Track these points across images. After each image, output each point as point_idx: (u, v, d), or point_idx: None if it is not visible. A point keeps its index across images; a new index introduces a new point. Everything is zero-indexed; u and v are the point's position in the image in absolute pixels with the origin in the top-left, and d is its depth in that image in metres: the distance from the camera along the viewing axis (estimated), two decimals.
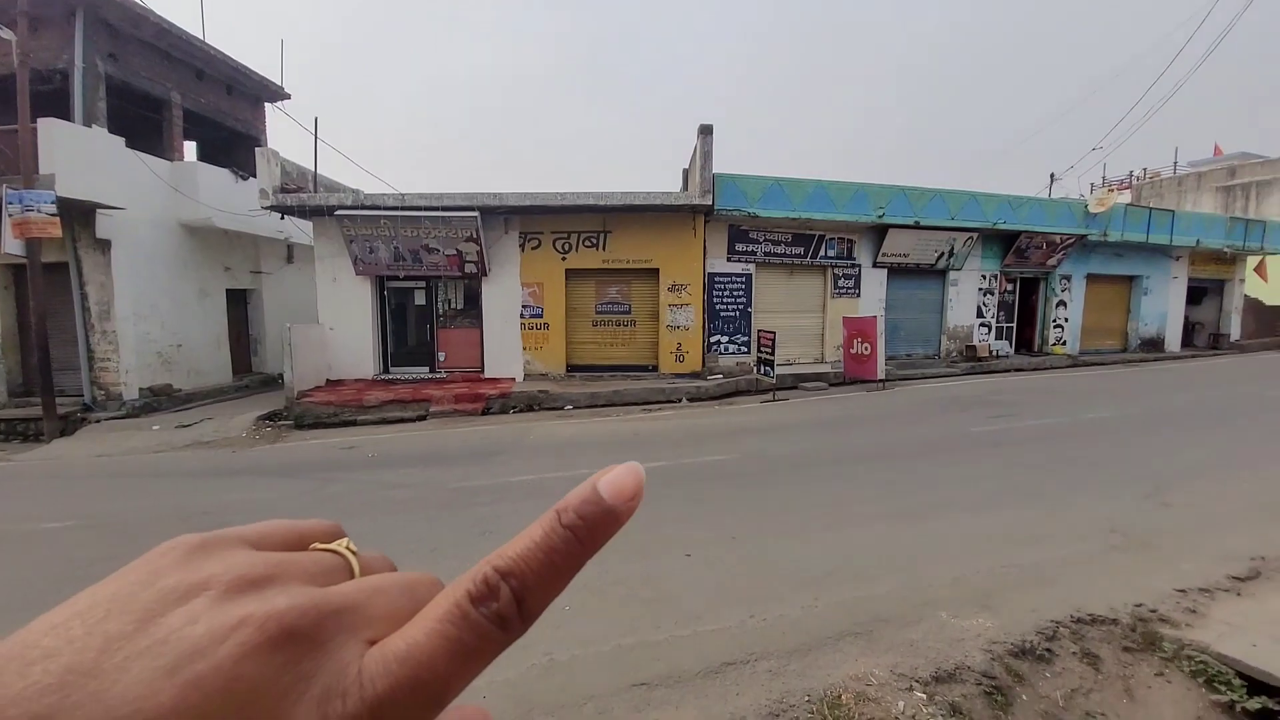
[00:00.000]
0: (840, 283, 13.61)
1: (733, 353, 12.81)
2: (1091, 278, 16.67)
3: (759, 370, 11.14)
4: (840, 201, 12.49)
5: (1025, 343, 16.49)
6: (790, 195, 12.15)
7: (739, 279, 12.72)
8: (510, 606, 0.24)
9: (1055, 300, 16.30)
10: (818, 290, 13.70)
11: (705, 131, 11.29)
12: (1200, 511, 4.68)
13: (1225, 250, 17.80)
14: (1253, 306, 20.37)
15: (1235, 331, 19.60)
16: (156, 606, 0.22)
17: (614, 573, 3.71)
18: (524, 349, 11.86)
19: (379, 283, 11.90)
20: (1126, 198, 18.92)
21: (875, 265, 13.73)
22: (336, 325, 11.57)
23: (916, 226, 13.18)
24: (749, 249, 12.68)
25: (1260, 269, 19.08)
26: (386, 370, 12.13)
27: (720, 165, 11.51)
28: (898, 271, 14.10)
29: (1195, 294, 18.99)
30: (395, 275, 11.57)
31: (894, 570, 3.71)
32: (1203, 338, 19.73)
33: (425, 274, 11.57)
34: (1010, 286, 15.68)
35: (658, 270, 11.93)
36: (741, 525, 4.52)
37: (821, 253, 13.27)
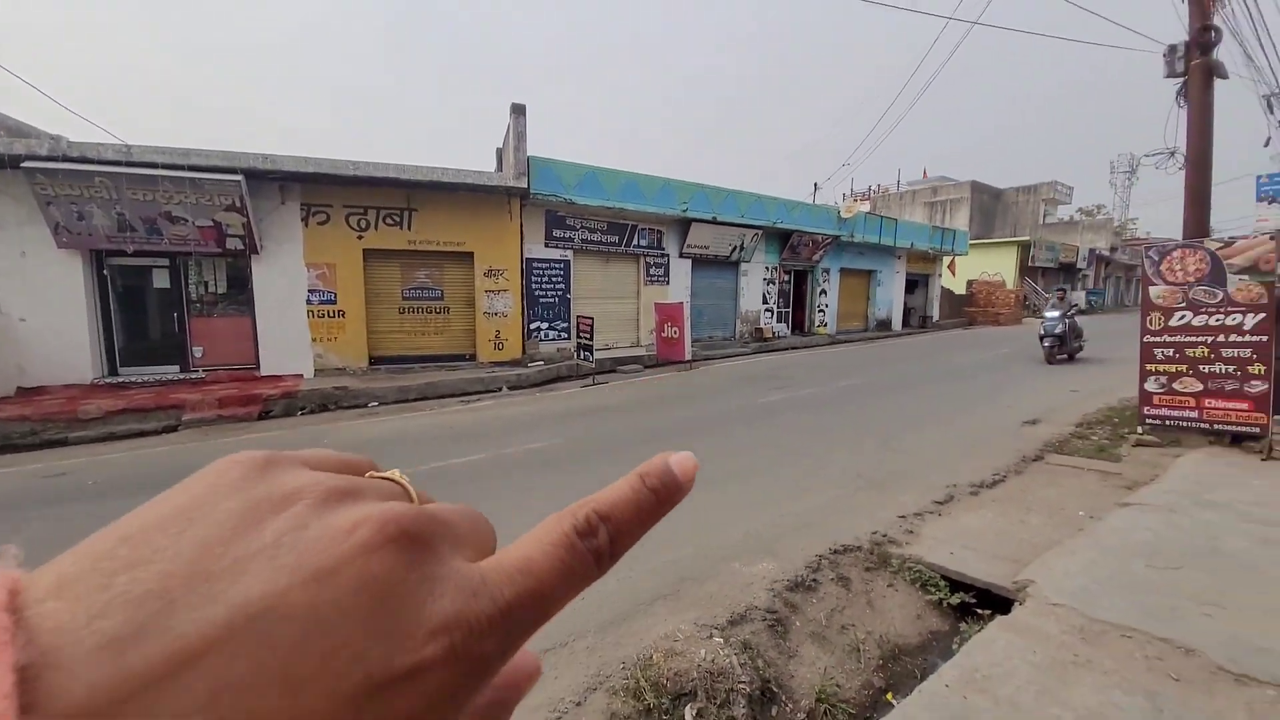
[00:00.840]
0: (652, 271, 14.47)
1: (553, 339, 12.82)
2: (844, 271, 20.34)
3: (579, 355, 11.35)
4: (650, 194, 13.23)
5: (798, 325, 19.51)
6: (605, 185, 12.49)
7: (557, 265, 12.73)
8: (606, 545, 0.26)
9: (819, 289, 19.53)
10: (632, 278, 14.39)
11: (518, 111, 10.97)
12: (915, 455, 6.08)
13: (929, 251, 23.19)
14: (946, 295, 26.91)
15: (936, 314, 25.72)
16: (250, 514, 0.21)
17: None
18: (314, 340, 10.33)
19: (95, 259, 9.25)
20: (866, 207, 23.32)
21: (681, 255, 14.89)
22: (30, 314, 8.72)
23: (715, 222, 14.60)
24: (567, 236, 12.74)
25: (951, 266, 25.29)
26: (114, 371, 9.56)
27: (535, 152, 11.31)
28: (700, 262, 15.50)
29: (910, 285, 24.41)
30: (120, 250, 9.08)
31: (698, 533, 4.12)
32: (915, 319, 25.50)
33: (168, 249, 9.30)
34: (787, 277, 18.34)
35: (472, 254, 11.33)
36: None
37: (635, 242, 13.93)
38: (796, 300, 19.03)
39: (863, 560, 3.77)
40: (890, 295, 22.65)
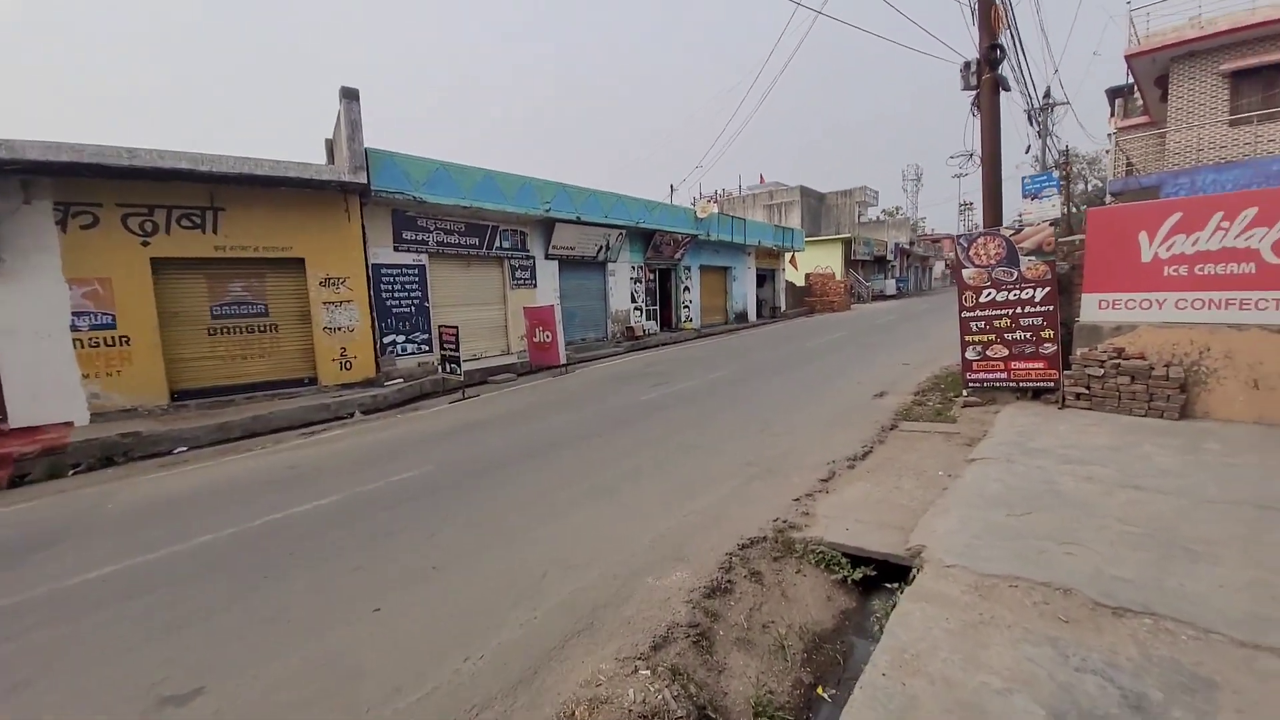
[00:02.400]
0: (518, 274, 13.77)
1: (412, 353, 11.56)
2: (703, 268, 21.32)
3: (445, 369, 10.33)
4: (509, 193, 12.54)
5: (666, 321, 20.02)
6: (459, 182, 11.55)
7: (411, 271, 11.50)
8: None
9: (683, 286, 20.23)
10: (497, 282, 13.55)
11: (349, 96, 9.65)
12: (793, 437, 6.33)
13: (774, 248, 25.26)
14: (790, 287, 29.56)
15: (783, 304, 28.13)
16: None
17: (284, 659, 2.70)
18: (85, 376, 8.08)
19: None
20: (716, 208, 24.71)
21: (547, 257, 14.38)
22: None
23: (579, 222, 14.32)
24: (419, 238, 11.56)
25: (793, 261, 27.82)
26: None
27: (376, 145, 10.05)
28: (567, 263, 15.11)
29: (760, 279, 26.40)
30: None
31: (601, 551, 3.77)
32: (767, 310, 27.65)
33: None
34: (652, 276, 18.71)
35: (303, 261, 9.74)
36: (444, 550, 3.94)
37: (497, 244, 13.13)
38: (663, 297, 19.50)
39: (770, 551, 3.71)
40: (744, 289, 24.25)
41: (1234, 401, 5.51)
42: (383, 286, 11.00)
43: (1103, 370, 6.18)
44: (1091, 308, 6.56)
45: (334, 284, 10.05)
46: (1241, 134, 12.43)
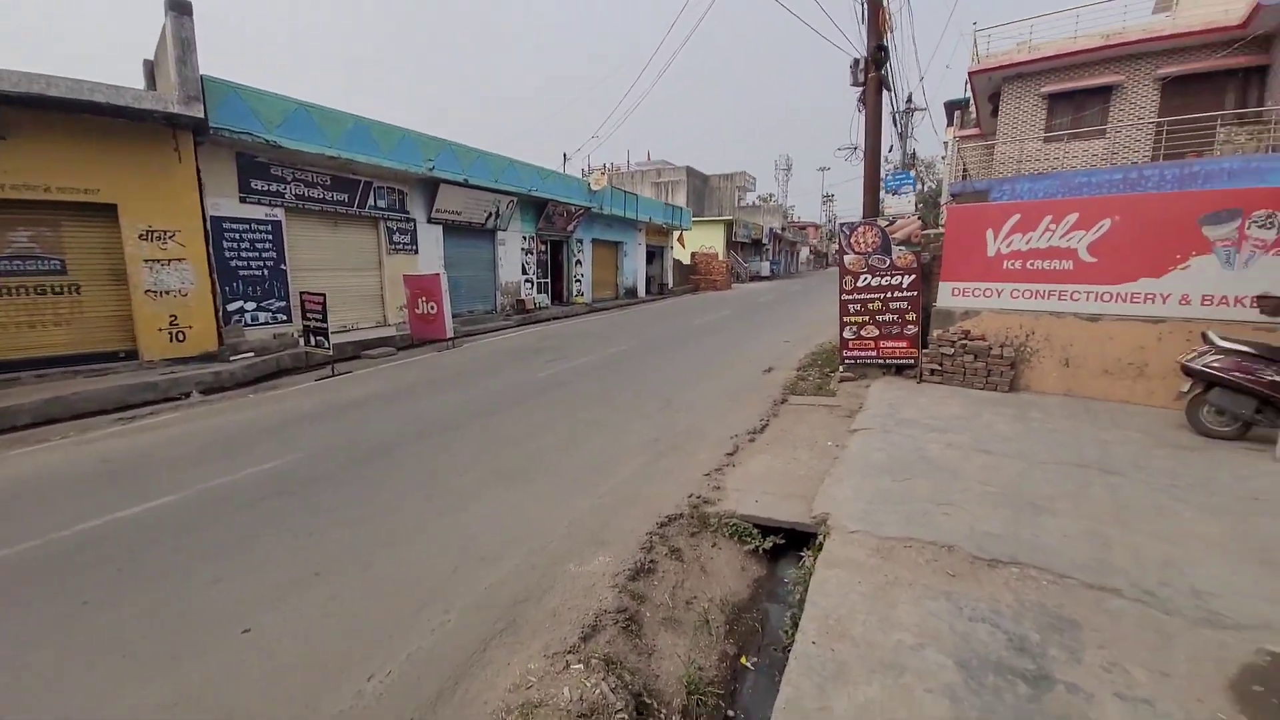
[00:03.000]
0: (396, 238, 12.48)
1: (266, 323, 10.04)
2: (596, 242, 21.05)
3: (309, 341, 9.11)
4: (386, 146, 11.22)
5: (558, 295, 19.55)
6: (324, 128, 10.07)
7: (262, 227, 9.88)
8: None
9: (574, 259, 19.83)
10: (371, 245, 12.18)
11: (179, 9, 7.87)
12: (694, 412, 6.48)
13: (663, 226, 25.65)
14: (677, 265, 30.34)
15: (671, 281, 28.82)
16: None
17: (125, 701, 2.17)
18: None
19: None
20: (608, 182, 24.44)
21: (430, 221, 13.21)
22: None
23: (466, 185, 13.30)
24: (273, 189, 9.95)
25: (680, 240, 28.49)
26: None
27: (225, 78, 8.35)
28: (453, 229, 14.03)
29: (650, 256, 26.75)
30: None
31: (515, 539, 3.55)
32: (655, 286, 28.16)
33: None
34: (544, 247, 18.07)
35: (115, 208, 7.92)
36: (326, 552, 3.46)
37: (371, 202, 11.75)
38: (554, 270, 18.96)
39: (687, 527, 3.75)
40: (635, 265, 24.41)
41: (1049, 377, 6.61)
42: (226, 244, 9.35)
43: (953, 350, 7.07)
44: (946, 294, 7.43)
45: (159, 238, 8.32)
46: (1053, 149, 14.81)
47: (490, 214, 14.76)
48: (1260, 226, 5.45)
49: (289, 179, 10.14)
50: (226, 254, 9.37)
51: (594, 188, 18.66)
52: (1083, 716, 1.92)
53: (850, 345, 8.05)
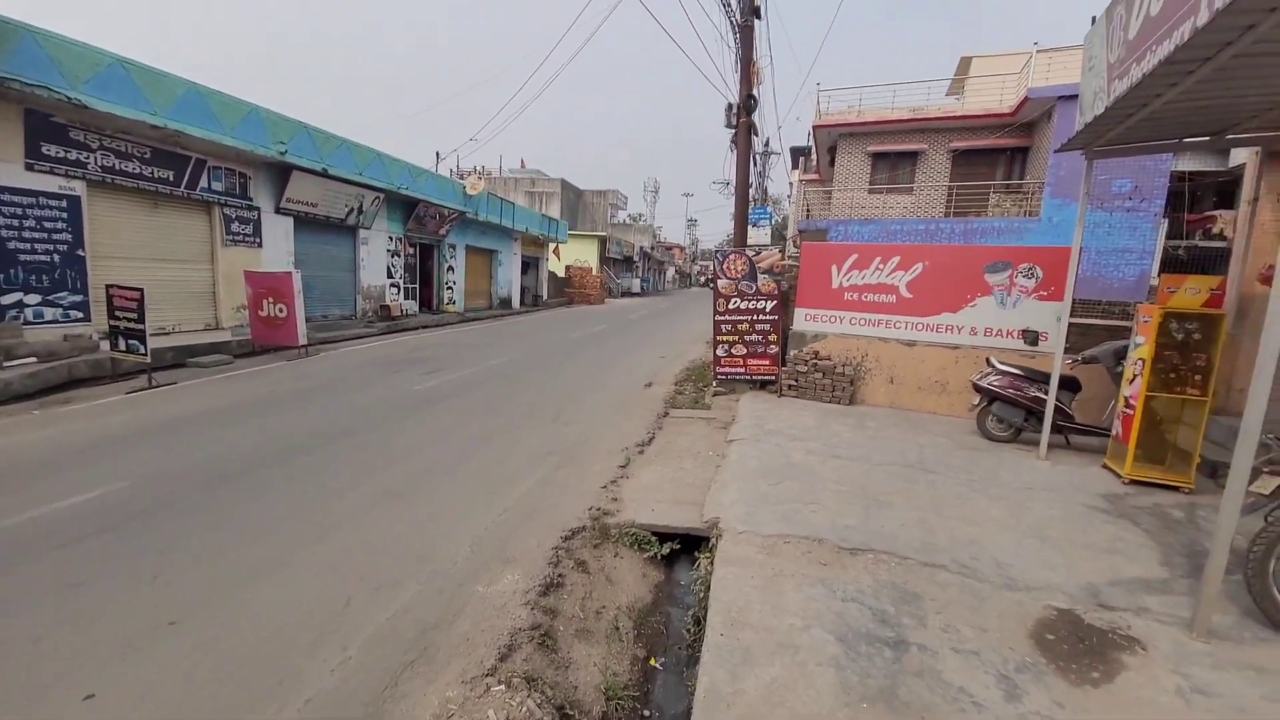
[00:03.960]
0: (235, 228, 10.91)
1: (54, 321, 8.16)
2: (469, 249, 20.28)
3: (116, 345, 7.60)
4: (228, 120, 9.82)
5: (427, 302, 18.46)
6: (148, 92, 8.54)
7: (54, 202, 8.06)
8: None
9: (446, 265, 18.91)
10: (202, 233, 10.50)
11: None
12: (585, 425, 6.62)
13: (540, 237, 25.49)
14: (552, 277, 30.28)
15: (545, 294, 28.66)
16: None
17: None
18: None
19: None
20: (485, 186, 23.74)
21: (280, 211, 11.76)
22: None
23: (325, 174, 12.09)
24: (73, 157, 8.18)
25: (556, 252, 28.50)
26: None
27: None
28: (307, 222, 12.63)
29: (525, 266, 26.40)
30: None
31: (414, 564, 3.40)
32: (529, 298, 27.83)
33: None
34: (413, 250, 16.99)
35: None
36: (180, 594, 3.00)
37: (205, 184, 10.16)
38: (424, 276, 17.88)
39: (590, 539, 3.87)
40: (510, 275, 23.91)
41: (879, 392, 7.85)
42: (0, 221, 7.48)
43: (806, 368, 8.08)
44: (801, 319, 8.48)
45: None
46: (876, 199, 17.53)
47: (352, 209, 13.55)
48: (1024, 276, 7.09)
49: (95, 146, 8.42)
50: (1, 233, 7.49)
51: (470, 192, 18.02)
52: (932, 670, 2.41)
53: (722, 362, 8.78)
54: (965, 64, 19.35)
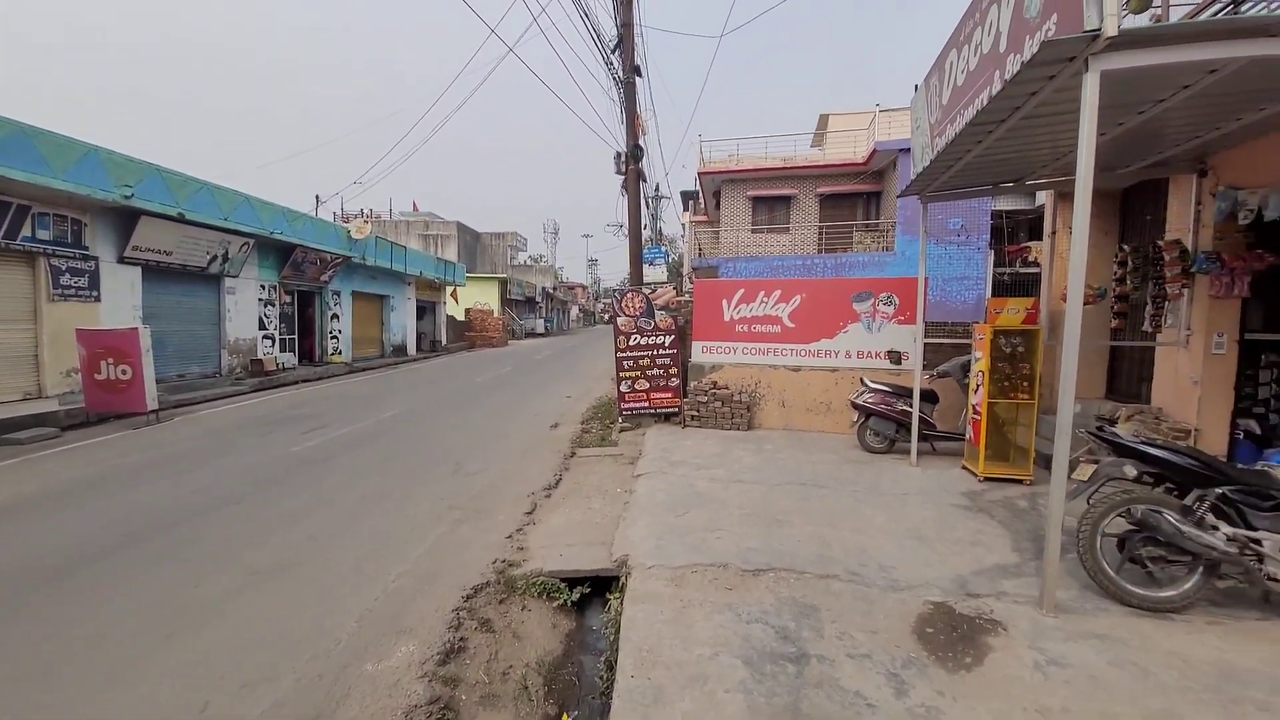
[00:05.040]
0: (66, 280, 9.45)
1: None
2: (356, 294, 19.08)
3: None
4: (60, 163, 8.62)
5: (307, 354, 16.98)
6: None
7: None
8: None
9: (330, 313, 17.61)
10: (23, 288, 8.96)
11: None
12: (488, 473, 6.35)
13: (436, 280, 24.62)
14: (451, 321, 29.19)
15: (444, 338, 27.51)
16: None
17: None
18: None
19: None
20: (372, 230, 22.68)
21: (124, 260, 10.39)
22: None
23: (181, 219, 10.91)
24: None
25: (454, 295, 27.60)
26: None
27: None
28: (159, 272, 11.24)
29: (421, 311, 25.27)
30: None
31: (292, 648, 3.02)
32: (426, 343, 26.56)
33: None
34: (290, 298, 15.67)
35: None
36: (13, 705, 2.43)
37: (27, 232, 8.75)
38: (304, 325, 16.47)
39: (495, 595, 3.68)
40: (404, 320, 22.73)
41: (773, 416, 8.33)
42: None
43: (706, 398, 8.40)
44: (698, 351, 8.85)
45: None
46: (759, 238, 18.96)
47: (216, 256, 12.29)
48: (884, 303, 7.96)
49: None
50: None
51: (355, 235, 17.08)
52: (831, 679, 2.53)
53: (626, 398, 8.89)
54: (824, 120, 21.85)
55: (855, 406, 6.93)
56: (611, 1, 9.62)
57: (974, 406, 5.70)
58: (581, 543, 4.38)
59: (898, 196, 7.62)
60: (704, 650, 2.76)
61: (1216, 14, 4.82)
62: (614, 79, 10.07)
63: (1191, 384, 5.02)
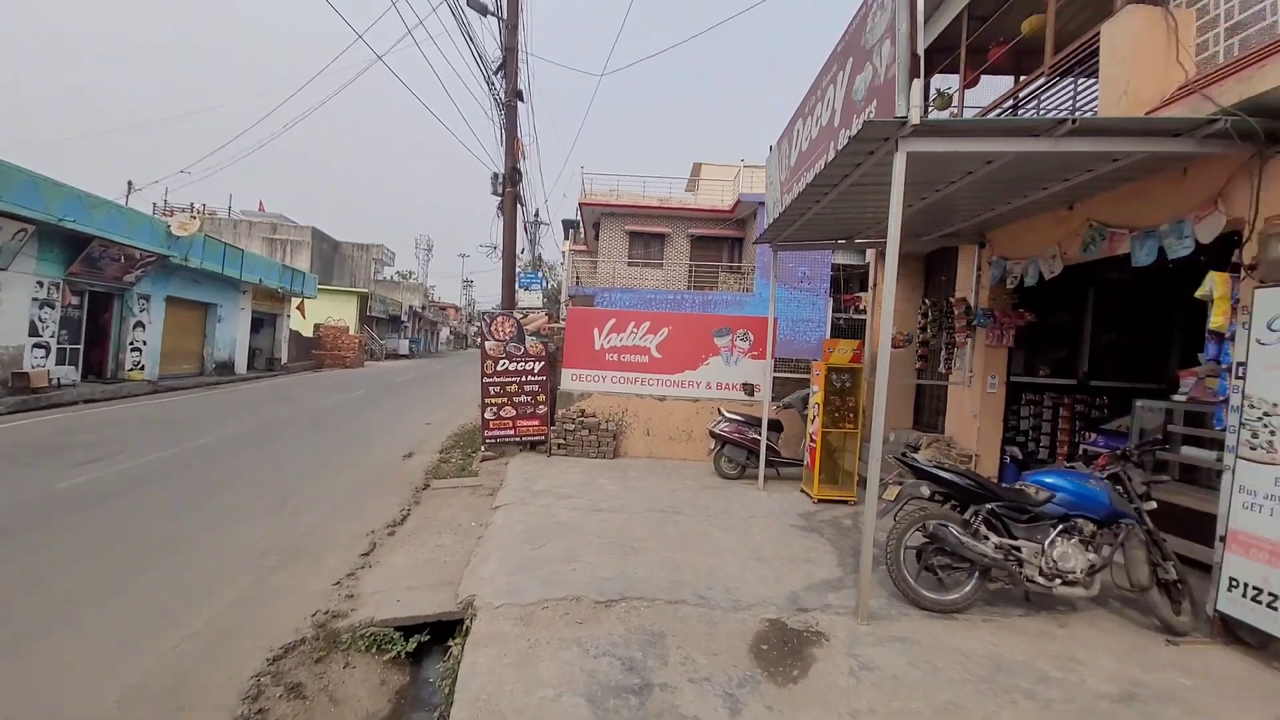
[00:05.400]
0: None
1: None
2: (171, 300, 16.26)
3: None
4: None
5: (97, 368, 14.02)
6: None
7: None
8: None
9: (134, 321, 14.78)
10: None
11: None
12: (322, 510, 5.63)
13: (279, 290, 21.88)
14: (295, 337, 26.01)
15: (285, 356, 24.39)
16: None
17: None
18: None
19: None
20: (199, 228, 19.65)
21: None
22: None
23: None
24: None
25: (301, 308, 24.69)
26: None
27: None
28: None
29: (258, 324, 22.22)
30: None
31: None
32: (262, 361, 23.33)
33: None
34: (77, 300, 12.88)
35: None
36: None
37: None
38: (95, 334, 13.58)
39: (310, 653, 3.21)
40: (234, 334, 19.78)
41: (638, 444, 8.50)
42: None
43: (574, 426, 8.34)
44: (568, 379, 8.80)
45: None
46: (635, 271, 19.62)
47: None
48: (741, 339, 8.60)
49: None
50: None
51: (178, 232, 14.64)
52: (671, 707, 2.54)
53: (491, 425, 8.51)
54: (697, 168, 23.54)
55: (713, 435, 7.31)
56: (497, 25, 9.56)
57: (811, 435, 6.31)
58: (425, 584, 4.02)
59: (754, 243, 8.37)
60: (547, 692, 2.63)
61: (1003, 114, 6.03)
62: (495, 100, 9.92)
63: (972, 417, 6.05)
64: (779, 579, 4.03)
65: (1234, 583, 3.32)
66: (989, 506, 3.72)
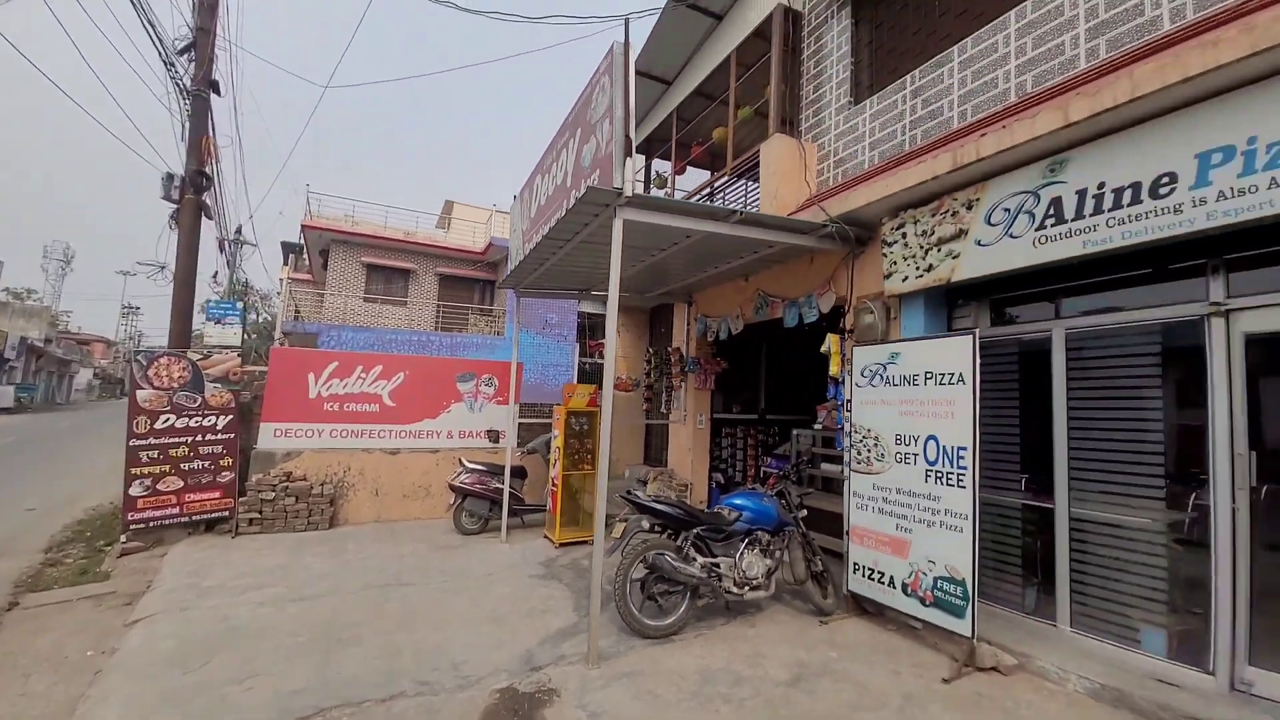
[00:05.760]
0: None
1: None
2: None
3: None
4: None
5: None
6: None
7: None
8: None
9: None
10: None
11: None
12: None
13: None
14: None
15: None
16: None
17: None
18: None
19: None
20: None
21: None
22: None
23: None
24: None
25: None
26: None
27: None
28: None
29: None
30: None
31: None
32: None
33: None
34: None
35: None
36: None
37: None
38: None
39: None
40: None
41: (363, 508, 7.36)
42: None
43: (274, 493, 6.81)
44: (269, 435, 7.20)
45: None
46: (372, 308, 17.57)
47: None
48: (486, 384, 8.31)
49: None
50: None
51: None
52: None
53: (140, 504, 6.37)
54: (450, 206, 22.73)
55: (453, 488, 6.79)
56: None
57: (553, 479, 6.36)
58: None
59: (496, 288, 8.32)
60: None
61: (702, 199, 7.23)
62: (179, 86, 7.85)
63: (687, 450, 6.93)
64: (514, 638, 3.82)
65: (856, 566, 4.39)
66: (695, 531, 4.21)
